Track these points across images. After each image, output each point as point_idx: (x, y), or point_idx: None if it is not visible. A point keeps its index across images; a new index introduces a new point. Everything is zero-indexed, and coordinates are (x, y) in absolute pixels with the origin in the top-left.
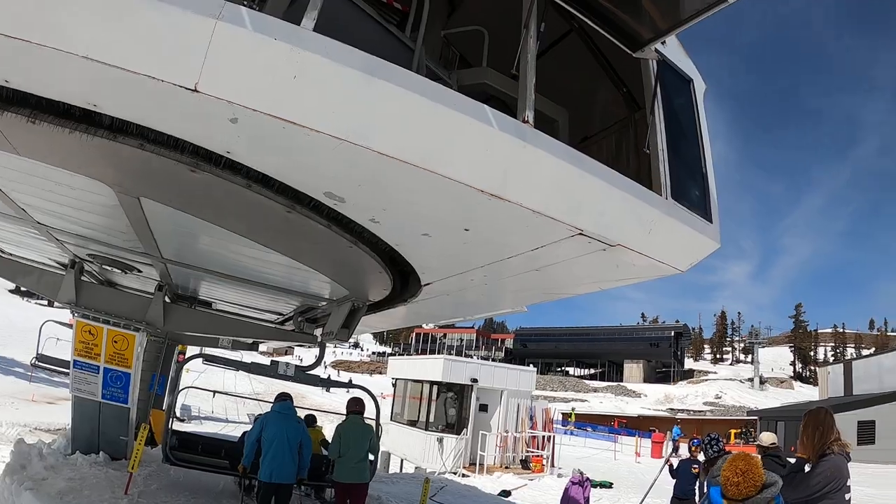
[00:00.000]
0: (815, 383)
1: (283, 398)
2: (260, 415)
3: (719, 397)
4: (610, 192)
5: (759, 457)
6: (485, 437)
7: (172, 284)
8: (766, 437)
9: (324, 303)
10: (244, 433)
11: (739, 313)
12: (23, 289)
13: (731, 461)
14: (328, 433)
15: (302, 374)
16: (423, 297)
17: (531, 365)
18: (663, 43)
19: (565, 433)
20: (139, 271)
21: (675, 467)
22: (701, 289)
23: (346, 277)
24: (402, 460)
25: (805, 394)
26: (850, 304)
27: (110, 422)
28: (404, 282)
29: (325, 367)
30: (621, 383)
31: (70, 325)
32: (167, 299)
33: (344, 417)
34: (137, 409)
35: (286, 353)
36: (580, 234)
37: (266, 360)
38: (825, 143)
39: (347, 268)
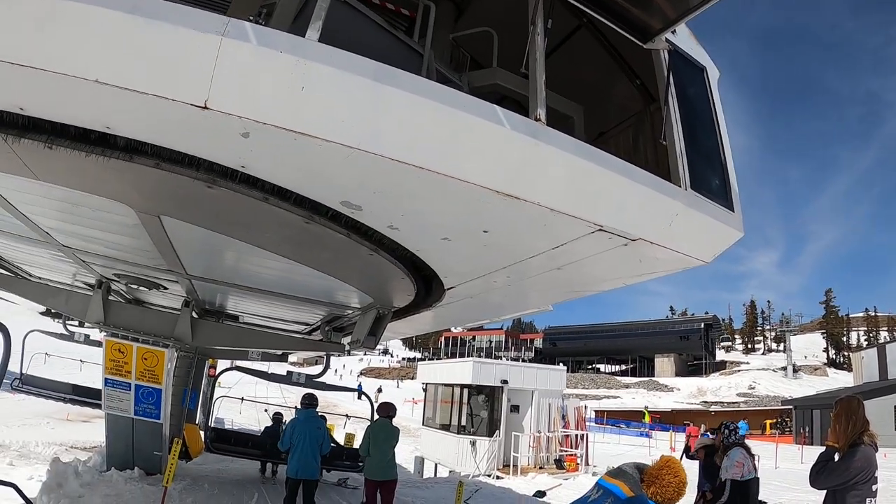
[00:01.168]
0: (849, 369)
1: (307, 404)
2: (278, 414)
3: (753, 388)
4: (627, 185)
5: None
6: (517, 438)
7: (199, 300)
8: None
9: (349, 311)
10: (266, 428)
11: (769, 302)
12: (53, 311)
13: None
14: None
15: (311, 382)
16: (448, 301)
17: (561, 364)
18: (674, 32)
19: (641, 434)
20: (165, 288)
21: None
22: (728, 279)
23: (369, 285)
24: (435, 465)
25: (840, 380)
26: (882, 287)
27: (144, 438)
28: (428, 287)
29: (360, 375)
30: (653, 378)
31: (59, 335)
32: (194, 315)
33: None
34: (170, 423)
35: (316, 363)
36: (600, 230)
37: (300, 370)
38: (847, 125)
39: (370, 275)
